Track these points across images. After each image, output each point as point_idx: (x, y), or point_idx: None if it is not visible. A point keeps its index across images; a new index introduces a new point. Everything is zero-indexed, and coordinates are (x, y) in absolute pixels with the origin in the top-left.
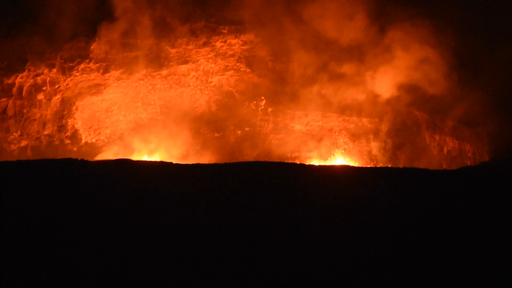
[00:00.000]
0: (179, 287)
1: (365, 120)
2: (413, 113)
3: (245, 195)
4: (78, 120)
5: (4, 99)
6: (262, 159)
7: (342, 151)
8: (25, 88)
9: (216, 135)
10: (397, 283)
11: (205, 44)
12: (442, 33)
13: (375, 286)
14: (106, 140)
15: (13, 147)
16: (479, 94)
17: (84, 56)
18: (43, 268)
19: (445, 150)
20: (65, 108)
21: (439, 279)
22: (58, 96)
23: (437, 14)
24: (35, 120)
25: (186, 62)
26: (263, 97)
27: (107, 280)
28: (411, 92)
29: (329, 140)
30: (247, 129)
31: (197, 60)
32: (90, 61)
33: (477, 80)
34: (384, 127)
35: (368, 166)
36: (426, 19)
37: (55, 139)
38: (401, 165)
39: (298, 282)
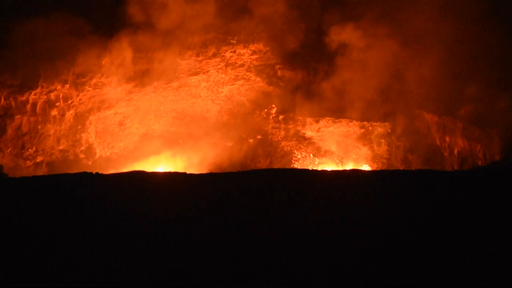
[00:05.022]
0: None
1: (376, 125)
2: (423, 116)
3: (260, 202)
4: (92, 135)
5: (18, 116)
6: (275, 166)
7: (354, 156)
8: (38, 104)
9: (229, 144)
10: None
11: (214, 55)
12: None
13: None
14: (120, 153)
15: (28, 163)
16: (488, 93)
17: (96, 71)
18: (60, 282)
19: (455, 151)
20: (79, 123)
21: (454, 279)
22: (71, 112)
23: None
24: (49, 135)
25: (196, 73)
26: (273, 105)
27: None
28: (421, 94)
29: (341, 145)
30: (259, 137)
31: (208, 71)
32: (102, 76)
33: (486, 80)
34: (395, 131)
35: (380, 169)
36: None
37: (69, 154)
38: (413, 168)
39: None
